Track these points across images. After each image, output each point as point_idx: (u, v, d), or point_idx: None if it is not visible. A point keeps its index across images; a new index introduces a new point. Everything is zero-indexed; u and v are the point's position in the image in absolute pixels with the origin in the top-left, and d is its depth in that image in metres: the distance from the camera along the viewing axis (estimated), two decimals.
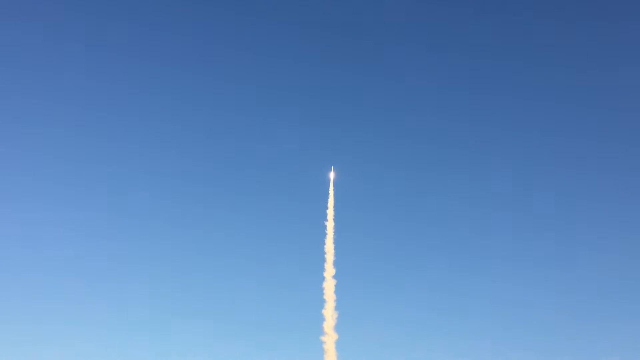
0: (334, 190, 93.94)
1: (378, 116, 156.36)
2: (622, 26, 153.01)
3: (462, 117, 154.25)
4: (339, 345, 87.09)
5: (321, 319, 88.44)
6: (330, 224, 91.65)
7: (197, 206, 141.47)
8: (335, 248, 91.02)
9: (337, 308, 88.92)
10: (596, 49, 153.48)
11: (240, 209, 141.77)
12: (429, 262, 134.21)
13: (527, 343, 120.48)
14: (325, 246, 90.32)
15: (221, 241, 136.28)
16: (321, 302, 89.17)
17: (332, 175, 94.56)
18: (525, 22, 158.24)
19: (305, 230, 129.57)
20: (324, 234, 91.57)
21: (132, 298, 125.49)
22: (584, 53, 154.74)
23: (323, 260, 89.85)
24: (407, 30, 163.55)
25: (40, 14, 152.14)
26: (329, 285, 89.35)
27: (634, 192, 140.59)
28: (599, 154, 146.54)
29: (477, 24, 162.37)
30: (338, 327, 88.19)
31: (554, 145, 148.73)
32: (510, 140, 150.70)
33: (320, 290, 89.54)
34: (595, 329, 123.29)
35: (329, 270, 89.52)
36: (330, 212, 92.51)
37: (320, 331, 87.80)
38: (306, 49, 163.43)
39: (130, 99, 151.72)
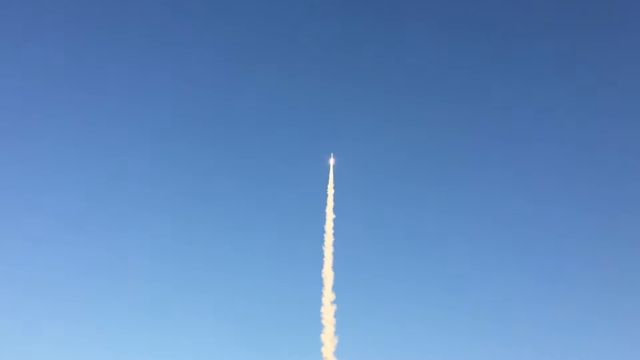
0: (334, 178, 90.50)
1: (379, 101, 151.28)
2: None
3: (468, 103, 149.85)
4: None
5: (319, 344, 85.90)
6: (329, 234, 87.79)
7: (190, 198, 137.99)
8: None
9: (337, 333, 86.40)
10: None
11: (235, 201, 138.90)
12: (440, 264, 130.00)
13: (536, 344, 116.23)
14: (323, 270, 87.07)
15: (216, 241, 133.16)
16: (319, 326, 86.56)
17: (332, 161, 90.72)
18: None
19: (303, 231, 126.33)
20: (323, 237, 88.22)
21: (120, 296, 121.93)
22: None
23: (321, 284, 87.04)
24: (412, 12, 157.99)
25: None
26: (328, 310, 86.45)
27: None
28: (603, 166, 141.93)
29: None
30: (338, 353, 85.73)
31: (563, 153, 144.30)
32: (515, 130, 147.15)
33: (319, 314, 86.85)
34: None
35: (328, 295, 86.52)
36: (330, 211, 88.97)
37: (319, 357, 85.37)
38: (304, 32, 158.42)
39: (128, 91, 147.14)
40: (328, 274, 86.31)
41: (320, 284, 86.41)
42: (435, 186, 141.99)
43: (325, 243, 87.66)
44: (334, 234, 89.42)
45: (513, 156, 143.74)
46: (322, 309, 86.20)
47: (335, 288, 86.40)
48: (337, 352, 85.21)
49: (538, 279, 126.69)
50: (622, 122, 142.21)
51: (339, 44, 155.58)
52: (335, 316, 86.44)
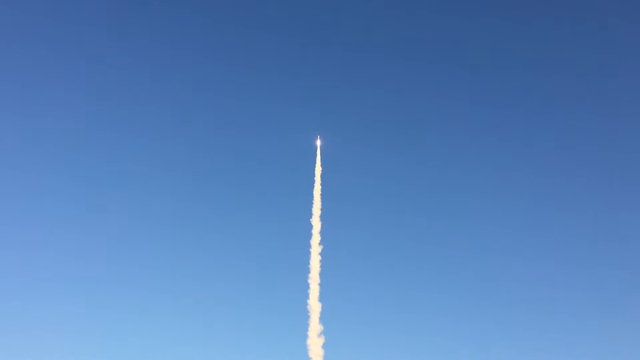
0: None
1: (366, 79, 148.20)
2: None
3: (457, 69, 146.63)
4: None
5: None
6: (315, 268, 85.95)
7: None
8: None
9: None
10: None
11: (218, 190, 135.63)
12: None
13: (527, 344, 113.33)
14: (309, 301, 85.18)
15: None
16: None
17: (318, 142, 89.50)
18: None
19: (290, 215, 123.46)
20: (309, 267, 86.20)
21: (104, 298, 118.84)
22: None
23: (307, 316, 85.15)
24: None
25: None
26: (315, 342, 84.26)
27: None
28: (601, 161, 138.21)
29: None
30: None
31: (562, 153, 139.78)
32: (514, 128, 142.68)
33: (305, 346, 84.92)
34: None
35: (314, 327, 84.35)
36: (315, 244, 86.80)
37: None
38: (289, 14, 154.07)
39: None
40: (315, 305, 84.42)
41: (306, 315, 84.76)
42: (434, 187, 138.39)
43: (310, 275, 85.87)
44: (321, 264, 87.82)
45: (512, 153, 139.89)
46: (309, 342, 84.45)
47: (322, 319, 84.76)
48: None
49: (536, 282, 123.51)
50: (623, 120, 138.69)
51: (327, 27, 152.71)
52: (323, 347, 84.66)
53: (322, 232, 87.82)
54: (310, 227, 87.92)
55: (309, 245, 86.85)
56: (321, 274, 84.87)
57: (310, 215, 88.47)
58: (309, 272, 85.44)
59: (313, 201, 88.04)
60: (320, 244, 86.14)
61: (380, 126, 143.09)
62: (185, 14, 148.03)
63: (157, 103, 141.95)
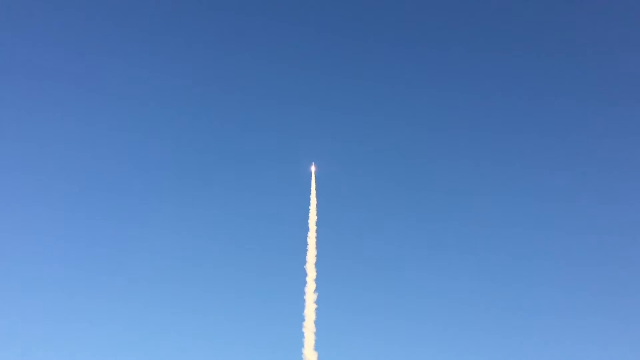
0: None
1: (361, 105, 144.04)
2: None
3: (451, 96, 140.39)
4: None
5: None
6: (310, 300, 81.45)
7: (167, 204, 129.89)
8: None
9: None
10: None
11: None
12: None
13: (526, 351, 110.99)
14: (304, 323, 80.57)
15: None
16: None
17: (313, 169, 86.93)
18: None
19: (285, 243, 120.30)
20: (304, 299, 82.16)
21: (101, 296, 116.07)
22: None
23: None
24: (395, 27, 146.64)
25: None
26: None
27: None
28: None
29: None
30: None
31: (563, 150, 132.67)
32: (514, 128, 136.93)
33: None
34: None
35: (310, 357, 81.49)
36: (311, 280, 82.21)
37: None
38: (283, 42, 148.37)
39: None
40: (310, 355, 79.88)
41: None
42: (432, 215, 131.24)
43: (305, 323, 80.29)
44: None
45: (512, 157, 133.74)
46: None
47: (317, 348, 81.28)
48: None
49: (540, 289, 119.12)
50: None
51: (321, 52, 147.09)
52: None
53: (317, 253, 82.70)
54: (305, 249, 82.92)
55: (304, 276, 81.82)
56: (316, 322, 79.89)
57: (305, 237, 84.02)
58: (303, 319, 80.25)
59: (307, 247, 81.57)
60: (315, 291, 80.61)
61: (375, 152, 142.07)
62: (179, 37, 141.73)
63: (150, 127, 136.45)
